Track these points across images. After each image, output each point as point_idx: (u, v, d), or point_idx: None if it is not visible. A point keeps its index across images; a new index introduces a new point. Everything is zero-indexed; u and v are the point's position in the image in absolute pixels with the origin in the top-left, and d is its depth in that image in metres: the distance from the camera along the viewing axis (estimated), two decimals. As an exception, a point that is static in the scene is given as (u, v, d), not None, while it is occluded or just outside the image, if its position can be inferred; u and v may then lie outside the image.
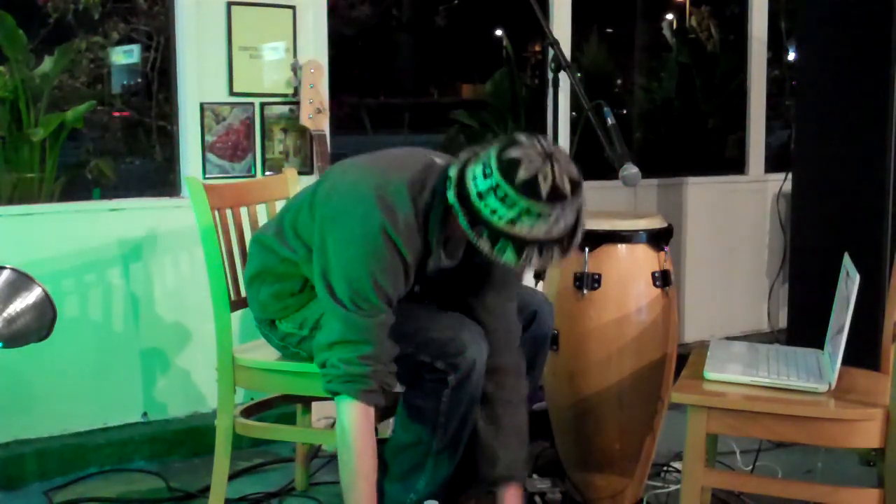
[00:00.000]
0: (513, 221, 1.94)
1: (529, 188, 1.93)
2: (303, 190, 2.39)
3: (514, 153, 1.96)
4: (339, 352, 2.11)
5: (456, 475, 2.42)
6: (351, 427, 2.14)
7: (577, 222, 2.00)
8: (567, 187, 1.95)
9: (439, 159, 2.18)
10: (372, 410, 2.15)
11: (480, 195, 1.97)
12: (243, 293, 2.61)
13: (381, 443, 2.99)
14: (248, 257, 2.48)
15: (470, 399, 2.27)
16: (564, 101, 3.79)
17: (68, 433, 3.09)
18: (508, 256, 1.97)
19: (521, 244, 1.96)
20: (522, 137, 2.00)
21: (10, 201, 3.89)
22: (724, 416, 2.20)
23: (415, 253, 2.13)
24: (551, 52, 2.79)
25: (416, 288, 2.27)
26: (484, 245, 1.98)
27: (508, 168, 1.95)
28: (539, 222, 1.94)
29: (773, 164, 4.70)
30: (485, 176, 1.97)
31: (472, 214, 1.98)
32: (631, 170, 2.46)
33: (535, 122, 5.40)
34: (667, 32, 6.35)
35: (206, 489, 2.65)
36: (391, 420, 3.02)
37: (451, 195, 2.01)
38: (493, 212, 1.95)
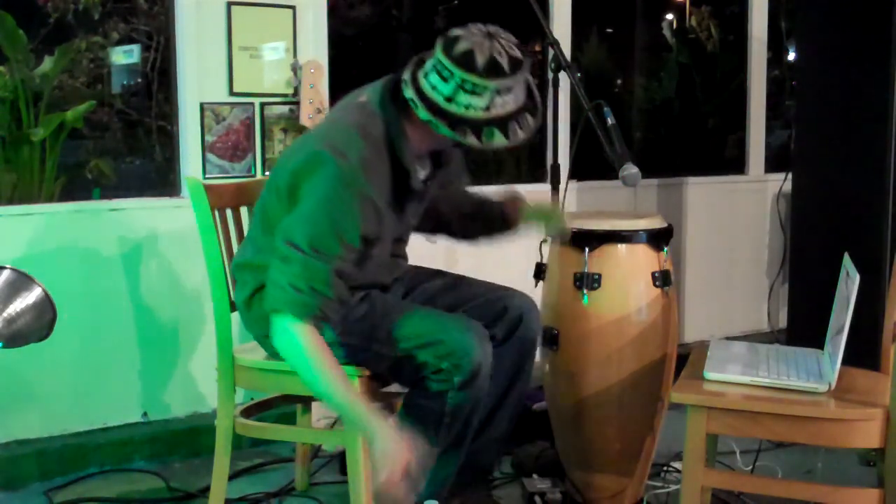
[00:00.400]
0: (488, 107, 2.08)
1: (493, 69, 2.06)
2: (262, 194, 2.40)
3: (462, 46, 2.08)
4: (292, 279, 2.11)
5: (456, 476, 2.43)
6: (306, 343, 2.12)
7: (529, 82, 2.18)
8: (518, 53, 2.11)
9: (364, 95, 2.27)
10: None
11: (449, 99, 2.08)
12: (243, 293, 2.61)
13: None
14: (237, 284, 2.45)
15: (474, 401, 2.27)
16: (564, 101, 3.79)
17: (68, 433, 3.09)
18: (498, 139, 2.11)
19: (503, 123, 2.10)
20: (456, 31, 2.12)
21: (10, 201, 3.89)
22: (724, 416, 2.20)
23: (384, 185, 2.18)
24: (551, 52, 2.80)
25: (411, 220, 2.38)
26: (472, 140, 2.09)
27: (465, 60, 2.07)
28: (510, 96, 2.09)
29: (773, 164, 4.69)
30: (444, 80, 2.08)
31: (449, 119, 2.08)
32: (631, 170, 2.46)
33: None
34: (667, 32, 6.34)
35: (206, 489, 2.65)
36: (391, 420, 3.03)
37: (422, 113, 2.10)
38: (468, 107, 2.08)
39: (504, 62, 2.07)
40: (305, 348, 2.12)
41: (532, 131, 2.18)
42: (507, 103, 2.10)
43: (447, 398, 2.24)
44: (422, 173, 2.32)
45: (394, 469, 2.01)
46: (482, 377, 2.25)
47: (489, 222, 2.58)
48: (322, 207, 2.13)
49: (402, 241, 2.48)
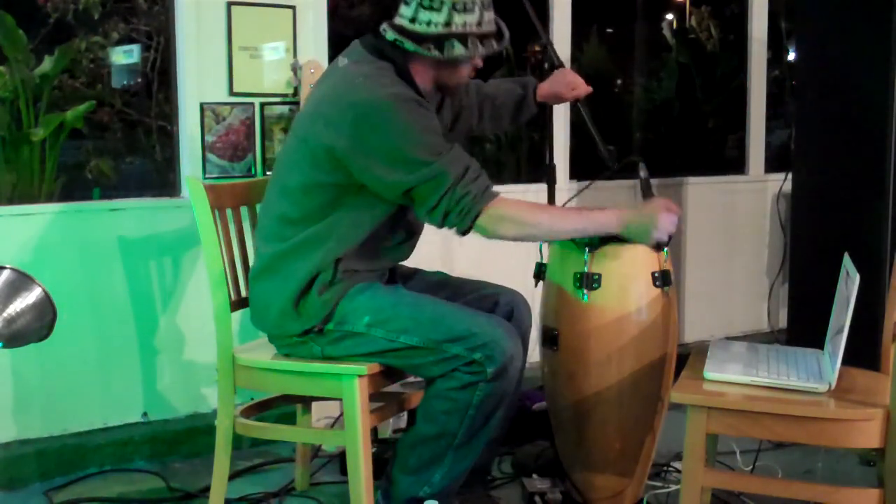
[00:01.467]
0: (447, 23, 2.27)
1: None
2: (281, 178, 2.45)
3: None
4: (460, 183, 2.24)
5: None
6: (516, 207, 2.31)
7: (498, 20, 2.39)
8: None
9: (344, 60, 2.43)
10: None
11: (413, 20, 2.29)
12: (244, 293, 2.61)
13: (384, 442, 3.01)
14: (275, 281, 2.41)
15: (502, 395, 2.30)
16: (564, 101, 3.79)
17: (68, 433, 3.08)
18: (458, 51, 2.29)
19: (462, 38, 2.28)
20: None
21: (10, 201, 3.89)
22: (724, 416, 2.20)
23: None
24: (547, 52, 2.80)
25: None
26: (436, 53, 2.29)
27: None
28: (468, 15, 2.28)
29: (773, 164, 4.69)
30: (407, 4, 2.29)
31: (414, 37, 2.28)
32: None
33: (535, 122, 5.40)
34: (667, 32, 6.34)
35: (206, 489, 2.65)
36: (391, 420, 3.03)
37: (391, 35, 2.30)
38: (429, 23, 2.28)
39: None
40: (522, 209, 2.32)
41: (494, 52, 2.36)
42: (468, 19, 2.28)
43: (476, 390, 2.27)
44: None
45: (664, 224, 2.32)
46: (513, 370, 2.29)
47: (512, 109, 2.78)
48: (412, 126, 2.26)
49: None
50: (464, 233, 2.29)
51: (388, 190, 2.30)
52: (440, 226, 2.29)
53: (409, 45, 2.29)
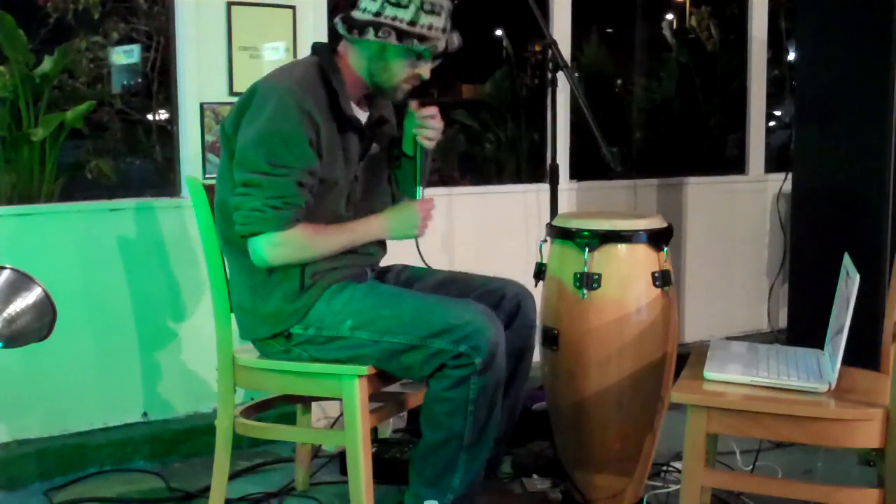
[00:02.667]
0: (378, 13, 2.32)
1: None
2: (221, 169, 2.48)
3: None
4: (265, 200, 2.25)
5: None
6: (297, 241, 2.30)
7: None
8: None
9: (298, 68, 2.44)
10: None
11: (357, 6, 2.36)
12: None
13: (384, 442, 3.01)
14: (235, 279, 2.46)
15: (496, 383, 2.29)
16: (564, 101, 3.79)
17: (68, 433, 3.09)
18: (369, 35, 2.31)
19: (379, 26, 2.31)
20: None
21: (10, 201, 3.89)
22: (724, 416, 2.20)
23: (321, 102, 2.32)
24: (550, 53, 2.80)
25: (357, 172, 2.45)
26: (354, 35, 2.32)
27: None
28: (400, 10, 2.30)
29: (773, 164, 4.69)
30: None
31: (348, 22, 2.34)
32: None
33: (535, 122, 5.39)
34: (667, 32, 6.35)
35: (206, 489, 2.65)
36: (391, 420, 3.03)
37: (336, 19, 2.36)
38: (364, 10, 2.34)
39: None
40: (300, 244, 2.31)
41: (421, 53, 2.36)
42: (398, 16, 2.30)
43: (470, 384, 2.25)
44: (361, 115, 2.45)
45: (418, 222, 2.42)
46: (500, 355, 2.28)
47: None
48: (268, 125, 2.27)
49: (352, 200, 2.48)
50: (241, 236, 2.31)
51: (235, 172, 2.33)
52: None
53: (340, 28, 2.37)
